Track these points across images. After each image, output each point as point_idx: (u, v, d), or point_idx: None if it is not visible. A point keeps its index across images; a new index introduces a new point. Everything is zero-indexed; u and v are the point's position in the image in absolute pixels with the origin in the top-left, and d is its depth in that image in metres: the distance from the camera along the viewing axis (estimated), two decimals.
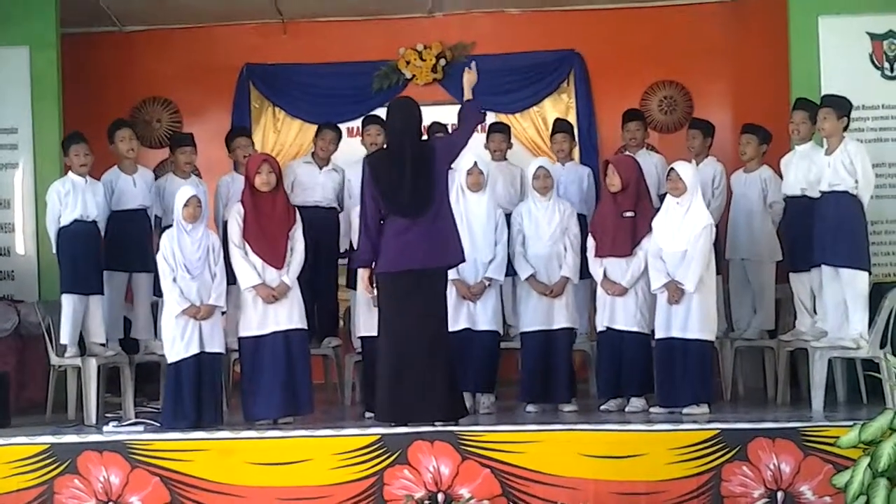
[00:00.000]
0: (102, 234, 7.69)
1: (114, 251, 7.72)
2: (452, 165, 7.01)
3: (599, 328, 7.42)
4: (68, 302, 7.47)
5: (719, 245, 7.78)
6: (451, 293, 7.18)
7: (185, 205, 6.99)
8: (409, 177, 6.62)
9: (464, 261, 6.91)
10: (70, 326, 7.47)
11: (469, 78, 6.94)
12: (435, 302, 6.70)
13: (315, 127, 8.79)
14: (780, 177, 7.79)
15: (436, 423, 6.50)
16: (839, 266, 7.07)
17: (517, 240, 7.54)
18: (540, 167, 7.61)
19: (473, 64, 7.01)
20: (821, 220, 7.13)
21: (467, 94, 6.90)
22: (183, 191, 7.10)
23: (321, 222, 8.12)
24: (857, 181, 7.05)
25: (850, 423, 5.97)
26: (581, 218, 7.88)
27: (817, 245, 7.15)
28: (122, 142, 7.84)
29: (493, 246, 7.43)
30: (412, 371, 6.57)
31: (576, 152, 9.33)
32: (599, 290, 7.40)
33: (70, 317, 7.46)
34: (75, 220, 7.53)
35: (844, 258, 7.05)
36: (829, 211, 7.10)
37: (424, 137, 7.49)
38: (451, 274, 7.12)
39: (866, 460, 5.56)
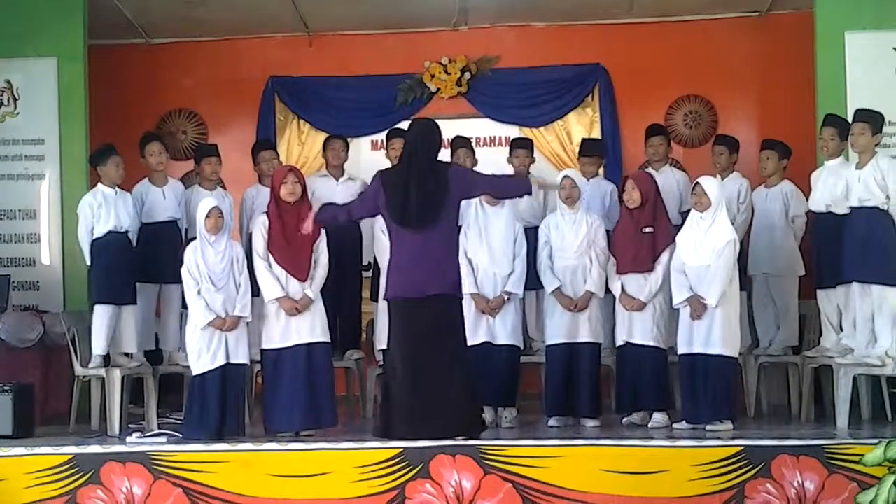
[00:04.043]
0: (134, 244, 7.73)
1: (144, 263, 7.75)
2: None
3: (619, 343, 7.44)
4: (102, 312, 7.50)
5: (743, 260, 7.74)
6: (470, 308, 7.21)
7: (207, 216, 7.02)
8: (415, 187, 6.64)
9: (460, 294, 6.86)
10: (102, 337, 7.49)
11: (548, 185, 7.56)
12: (441, 322, 6.66)
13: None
14: (805, 192, 7.76)
15: (455, 438, 6.48)
16: (869, 282, 7.03)
17: (544, 252, 7.53)
18: (566, 177, 7.60)
19: (565, 180, 7.48)
20: (851, 235, 7.08)
21: (536, 185, 7.22)
22: (205, 202, 7.13)
23: (343, 234, 8.09)
24: (888, 196, 7.00)
25: (875, 440, 5.95)
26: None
27: (846, 261, 7.10)
28: (151, 155, 7.92)
29: (511, 260, 7.43)
30: (425, 389, 6.55)
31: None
32: (618, 305, 7.41)
33: (102, 327, 7.49)
34: (109, 232, 7.55)
35: (875, 274, 7.00)
36: (860, 226, 7.05)
37: (447, 159, 7.51)
38: (470, 288, 7.14)
39: (891, 478, 5.53)
